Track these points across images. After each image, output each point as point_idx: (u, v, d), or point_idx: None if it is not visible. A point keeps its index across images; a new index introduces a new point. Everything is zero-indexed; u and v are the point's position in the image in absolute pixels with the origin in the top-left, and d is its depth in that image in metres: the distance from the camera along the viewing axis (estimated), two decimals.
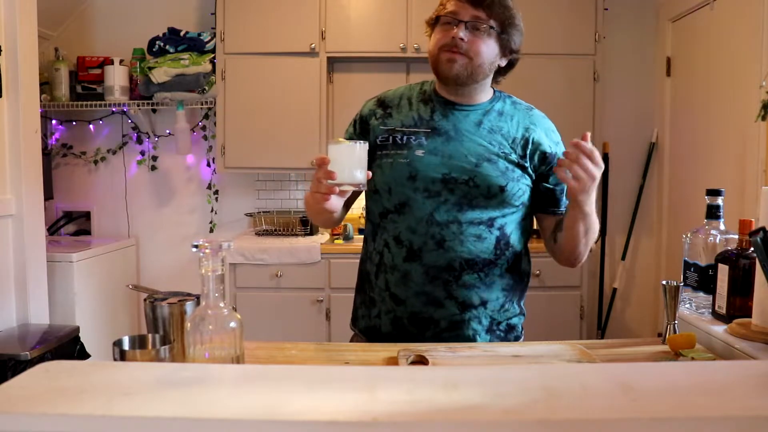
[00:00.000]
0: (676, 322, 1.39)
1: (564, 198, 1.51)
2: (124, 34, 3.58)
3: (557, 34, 3.33)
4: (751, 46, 2.64)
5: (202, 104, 3.51)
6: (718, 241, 1.42)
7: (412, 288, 1.44)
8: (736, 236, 1.38)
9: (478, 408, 0.74)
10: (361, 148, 1.31)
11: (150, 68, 3.37)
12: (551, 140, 1.51)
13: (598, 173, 1.30)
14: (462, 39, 1.39)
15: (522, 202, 1.47)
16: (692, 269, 1.47)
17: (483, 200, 1.43)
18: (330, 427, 0.71)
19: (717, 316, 1.39)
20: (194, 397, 0.78)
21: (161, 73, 3.33)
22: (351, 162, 1.30)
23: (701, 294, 1.45)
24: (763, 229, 1.14)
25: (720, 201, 1.44)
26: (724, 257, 1.36)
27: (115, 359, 1.07)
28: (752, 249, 1.23)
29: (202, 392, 0.80)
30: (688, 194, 3.32)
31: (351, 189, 1.34)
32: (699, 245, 1.45)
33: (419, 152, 1.44)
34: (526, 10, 3.68)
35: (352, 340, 1.60)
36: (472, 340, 1.46)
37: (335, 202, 1.34)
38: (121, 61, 3.45)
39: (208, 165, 3.68)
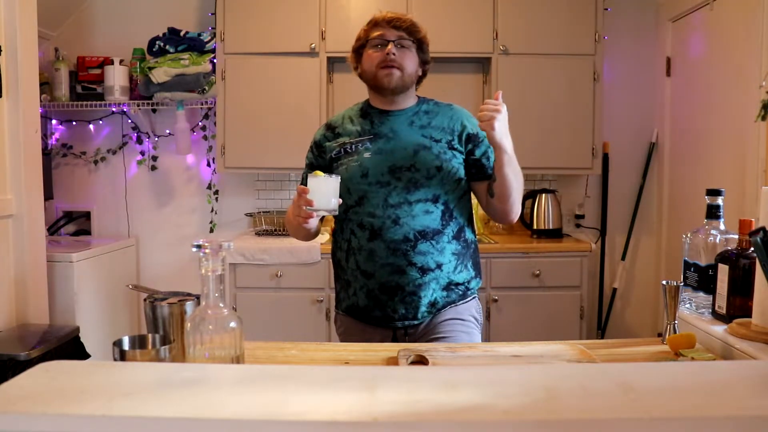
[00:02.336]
0: (676, 322, 1.39)
1: (490, 164, 1.77)
2: (124, 34, 3.58)
3: (557, 34, 3.33)
4: (751, 46, 2.64)
5: (202, 104, 3.51)
6: (718, 241, 1.42)
7: (378, 262, 1.70)
8: (736, 236, 1.38)
9: (478, 408, 0.74)
10: (335, 180, 1.60)
11: (150, 68, 3.37)
12: (471, 124, 1.79)
13: (500, 107, 1.59)
14: (394, 54, 1.73)
15: (458, 177, 1.75)
16: (692, 269, 1.47)
17: (425, 181, 1.71)
18: (330, 427, 0.71)
19: (717, 316, 1.39)
20: (194, 397, 0.78)
21: (161, 73, 3.33)
22: (327, 192, 1.59)
23: (701, 294, 1.45)
24: (763, 229, 1.14)
25: (720, 201, 1.44)
26: (724, 257, 1.36)
27: (115, 359, 1.07)
28: (752, 249, 1.23)
29: (202, 392, 0.80)
30: (688, 194, 3.32)
31: (325, 214, 1.62)
32: (699, 245, 1.45)
33: (367, 154, 1.74)
34: (526, 10, 3.67)
35: (335, 321, 1.89)
36: (431, 298, 1.71)
37: (313, 222, 1.67)
38: (121, 61, 3.45)
39: (208, 165, 3.68)
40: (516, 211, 1.76)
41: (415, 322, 1.72)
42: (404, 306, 1.70)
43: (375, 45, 1.76)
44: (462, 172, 1.76)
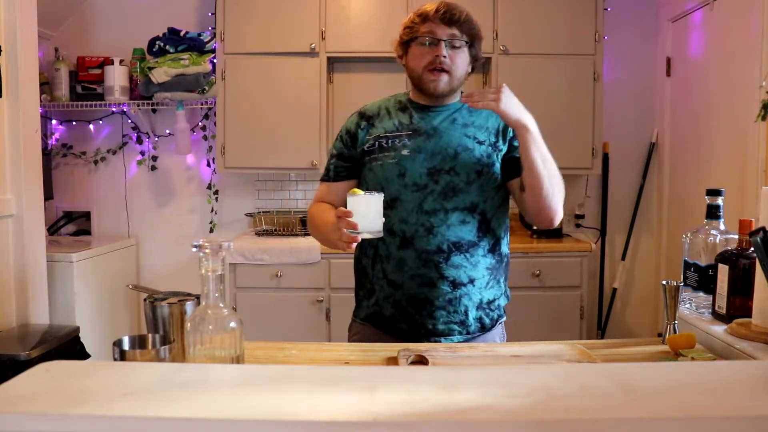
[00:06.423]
0: (676, 322, 1.39)
1: None
2: (124, 34, 3.58)
3: (557, 34, 3.33)
4: (751, 46, 2.64)
5: (202, 104, 3.51)
6: (718, 241, 1.42)
7: (407, 272, 1.58)
8: (736, 236, 1.38)
9: (478, 408, 0.74)
10: (378, 199, 1.43)
11: (150, 68, 3.37)
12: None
13: (502, 87, 1.47)
14: (444, 57, 1.57)
15: (498, 183, 1.62)
16: (692, 269, 1.47)
17: (464, 186, 1.58)
18: (330, 427, 0.71)
19: (717, 316, 1.39)
20: (194, 397, 0.78)
21: (161, 73, 3.33)
22: (369, 212, 1.42)
23: (701, 294, 1.45)
24: (763, 229, 1.14)
25: (720, 201, 1.44)
26: (724, 257, 1.36)
27: (115, 359, 1.07)
28: (752, 249, 1.23)
29: (202, 392, 0.80)
30: (688, 194, 3.32)
31: (370, 237, 1.43)
32: (699, 245, 1.45)
33: (405, 152, 1.59)
34: (526, 10, 3.67)
35: (350, 329, 1.75)
36: (465, 315, 1.60)
37: (354, 245, 1.46)
38: (121, 61, 3.45)
39: (208, 165, 3.68)
40: (554, 208, 1.55)
41: (442, 340, 1.58)
42: (432, 321, 1.57)
43: (423, 42, 1.58)
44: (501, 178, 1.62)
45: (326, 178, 1.72)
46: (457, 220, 1.57)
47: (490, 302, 1.64)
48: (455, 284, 1.57)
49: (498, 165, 1.61)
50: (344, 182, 1.68)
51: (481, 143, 1.60)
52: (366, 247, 1.65)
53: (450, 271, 1.57)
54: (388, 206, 1.55)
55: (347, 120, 1.72)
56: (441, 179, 1.57)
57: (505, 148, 1.62)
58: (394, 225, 1.57)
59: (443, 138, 1.60)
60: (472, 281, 1.59)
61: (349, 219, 1.38)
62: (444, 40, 1.56)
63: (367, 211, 1.41)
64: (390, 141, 1.61)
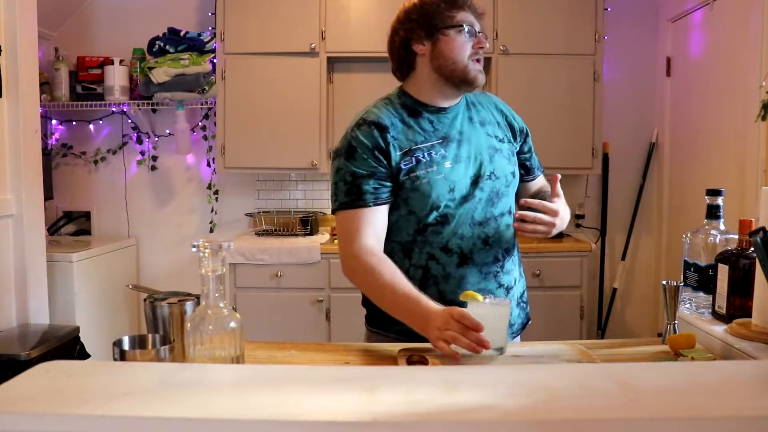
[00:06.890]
0: (676, 322, 1.39)
1: (534, 164, 1.66)
2: (124, 34, 3.58)
3: (557, 34, 3.33)
4: (751, 46, 2.64)
5: (202, 104, 3.51)
6: (718, 241, 1.42)
7: (468, 289, 1.43)
8: (736, 236, 1.38)
9: (478, 408, 0.74)
10: (507, 309, 1.27)
11: (150, 68, 3.37)
12: (510, 114, 1.64)
13: (556, 221, 1.43)
14: (485, 48, 1.50)
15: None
16: (692, 269, 1.47)
17: (504, 189, 1.53)
18: (330, 427, 0.71)
19: (717, 316, 1.39)
20: (194, 397, 0.78)
21: (161, 73, 3.33)
22: (500, 326, 1.21)
23: (701, 294, 1.45)
24: (763, 229, 1.14)
25: (720, 201, 1.44)
26: (724, 257, 1.36)
27: (115, 359, 1.07)
28: (752, 249, 1.23)
29: (202, 392, 0.80)
30: (688, 194, 3.32)
31: (495, 354, 1.22)
32: (699, 245, 1.45)
33: (447, 164, 1.47)
34: (526, 10, 3.66)
35: (367, 338, 1.57)
36: (510, 320, 1.49)
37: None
38: (121, 61, 3.45)
39: (208, 165, 3.68)
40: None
41: None
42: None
43: (465, 32, 1.46)
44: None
45: (360, 203, 1.43)
46: (504, 225, 1.52)
47: (521, 295, 1.61)
48: (508, 290, 1.53)
49: (517, 162, 1.60)
50: (385, 206, 1.47)
51: (502, 141, 1.56)
52: (407, 268, 1.47)
53: (504, 278, 1.52)
54: (438, 223, 1.46)
55: (360, 134, 1.46)
56: (485, 186, 1.49)
57: (518, 147, 1.61)
58: (448, 242, 1.46)
59: (472, 141, 1.51)
60: (515, 281, 1.56)
61: (480, 334, 1.16)
62: (479, 32, 1.49)
63: (497, 326, 1.19)
64: (426, 153, 1.46)
